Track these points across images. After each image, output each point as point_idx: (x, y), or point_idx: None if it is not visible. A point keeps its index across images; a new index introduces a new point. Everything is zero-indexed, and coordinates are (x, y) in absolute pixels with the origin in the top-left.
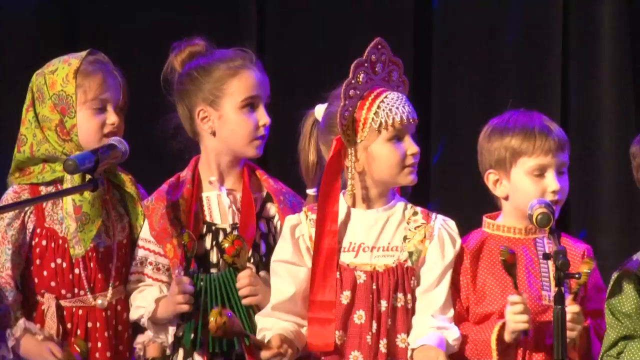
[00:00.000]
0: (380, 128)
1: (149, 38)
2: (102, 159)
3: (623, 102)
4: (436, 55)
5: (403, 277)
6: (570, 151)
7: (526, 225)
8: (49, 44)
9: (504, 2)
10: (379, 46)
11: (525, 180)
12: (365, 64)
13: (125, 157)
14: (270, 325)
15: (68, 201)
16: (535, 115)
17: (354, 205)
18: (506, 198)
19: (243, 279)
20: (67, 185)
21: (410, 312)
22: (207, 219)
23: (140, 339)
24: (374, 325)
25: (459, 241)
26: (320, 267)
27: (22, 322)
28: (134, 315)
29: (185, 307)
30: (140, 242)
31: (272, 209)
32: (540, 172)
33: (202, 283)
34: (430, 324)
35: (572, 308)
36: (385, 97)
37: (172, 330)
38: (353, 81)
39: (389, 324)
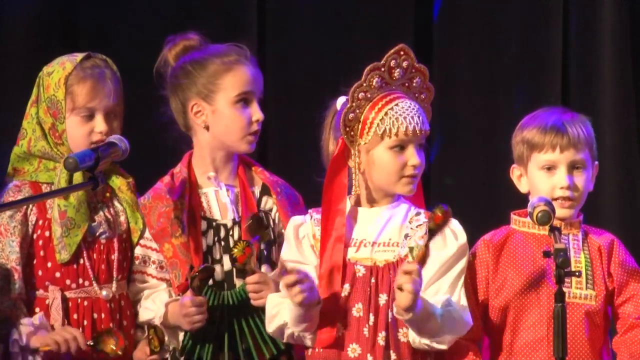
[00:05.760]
0: (384, 135)
1: (149, 38)
2: (102, 157)
3: (623, 102)
4: (436, 55)
5: None
6: (592, 151)
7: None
8: (49, 44)
9: (504, 1)
10: (401, 52)
11: (538, 175)
12: (382, 69)
13: (126, 155)
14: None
15: (54, 206)
16: (557, 112)
17: (358, 204)
18: (528, 193)
19: (253, 282)
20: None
21: None
22: (207, 215)
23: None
24: (372, 318)
25: (462, 235)
26: (327, 264)
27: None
28: (142, 316)
29: (199, 325)
30: (141, 241)
31: (269, 202)
32: (552, 168)
33: (215, 301)
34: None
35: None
36: (396, 104)
37: (181, 335)
38: (364, 84)
39: (390, 317)
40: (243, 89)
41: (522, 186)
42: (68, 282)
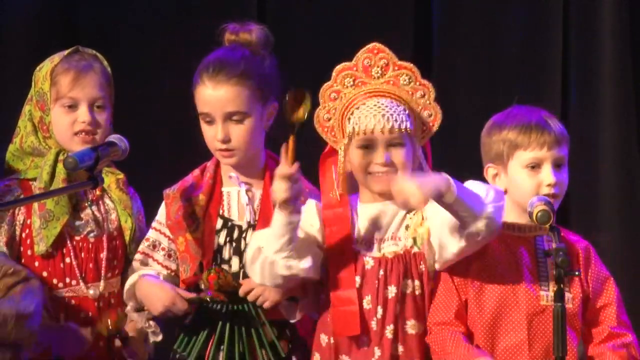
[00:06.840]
0: (353, 134)
1: (149, 38)
2: (102, 156)
3: (623, 102)
4: (436, 55)
5: (411, 263)
6: (569, 147)
7: (527, 222)
8: (49, 44)
9: (504, 1)
10: (375, 51)
11: (521, 174)
12: (354, 69)
13: (126, 155)
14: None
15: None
16: (535, 111)
17: (361, 201)
18: (505, 192)
19: (244, 293)
20: (39, 184)
21: (419, 298)
22: (225, 214)
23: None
24: (380, 310)
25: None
26: (336, 258)
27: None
28: (126, 285)
29: (168, 316)
30: (155, 225)
31: None
32: (536, 166)
33: (222, 310)
34: None
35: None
36: (363, 103)
37: (146, 314)
38: (334, 85)
39: (398, 310)
40: (201, 109)
41: (499, 185)
42: (55, 281)
